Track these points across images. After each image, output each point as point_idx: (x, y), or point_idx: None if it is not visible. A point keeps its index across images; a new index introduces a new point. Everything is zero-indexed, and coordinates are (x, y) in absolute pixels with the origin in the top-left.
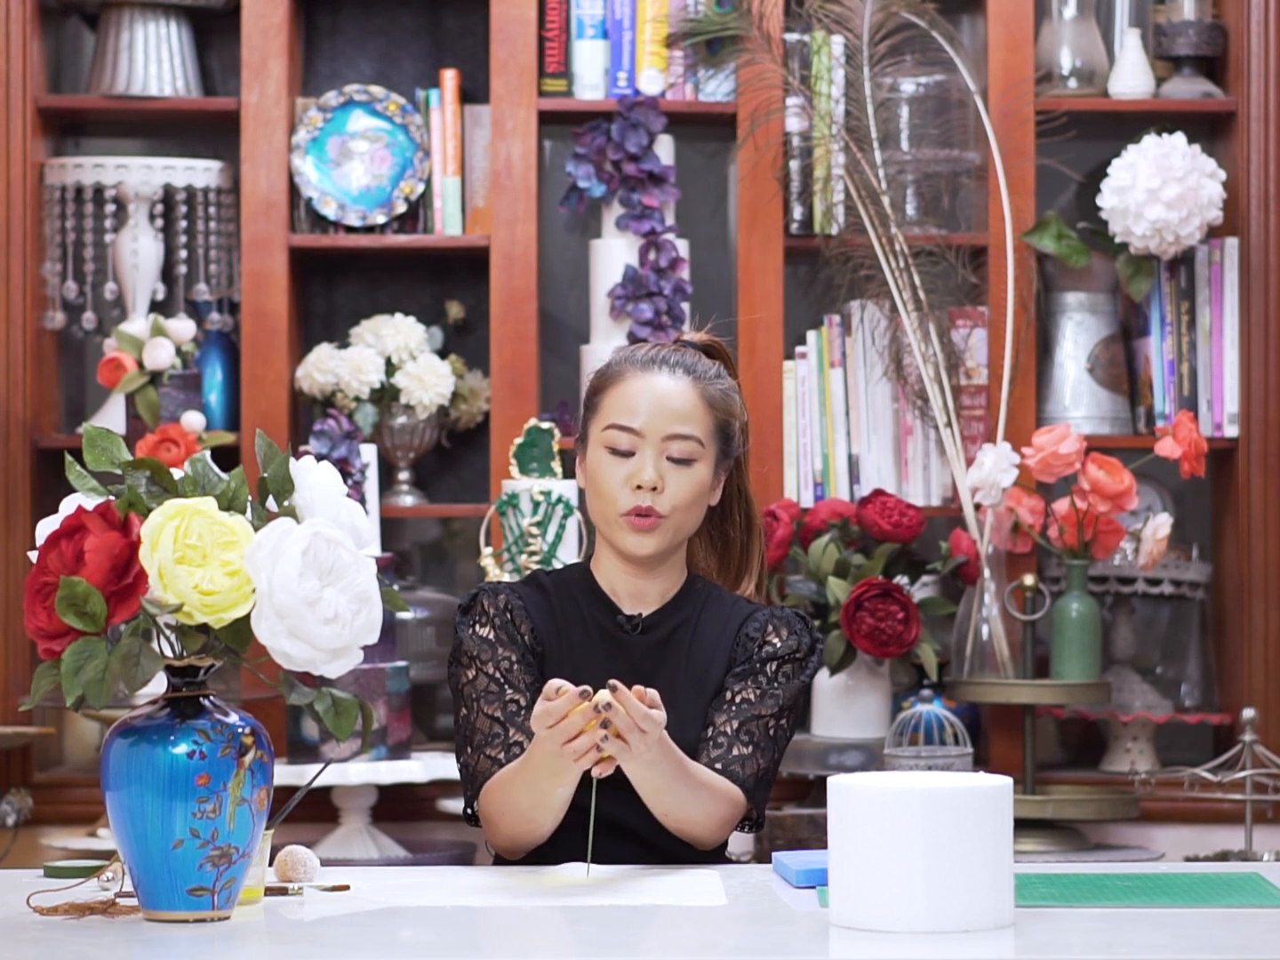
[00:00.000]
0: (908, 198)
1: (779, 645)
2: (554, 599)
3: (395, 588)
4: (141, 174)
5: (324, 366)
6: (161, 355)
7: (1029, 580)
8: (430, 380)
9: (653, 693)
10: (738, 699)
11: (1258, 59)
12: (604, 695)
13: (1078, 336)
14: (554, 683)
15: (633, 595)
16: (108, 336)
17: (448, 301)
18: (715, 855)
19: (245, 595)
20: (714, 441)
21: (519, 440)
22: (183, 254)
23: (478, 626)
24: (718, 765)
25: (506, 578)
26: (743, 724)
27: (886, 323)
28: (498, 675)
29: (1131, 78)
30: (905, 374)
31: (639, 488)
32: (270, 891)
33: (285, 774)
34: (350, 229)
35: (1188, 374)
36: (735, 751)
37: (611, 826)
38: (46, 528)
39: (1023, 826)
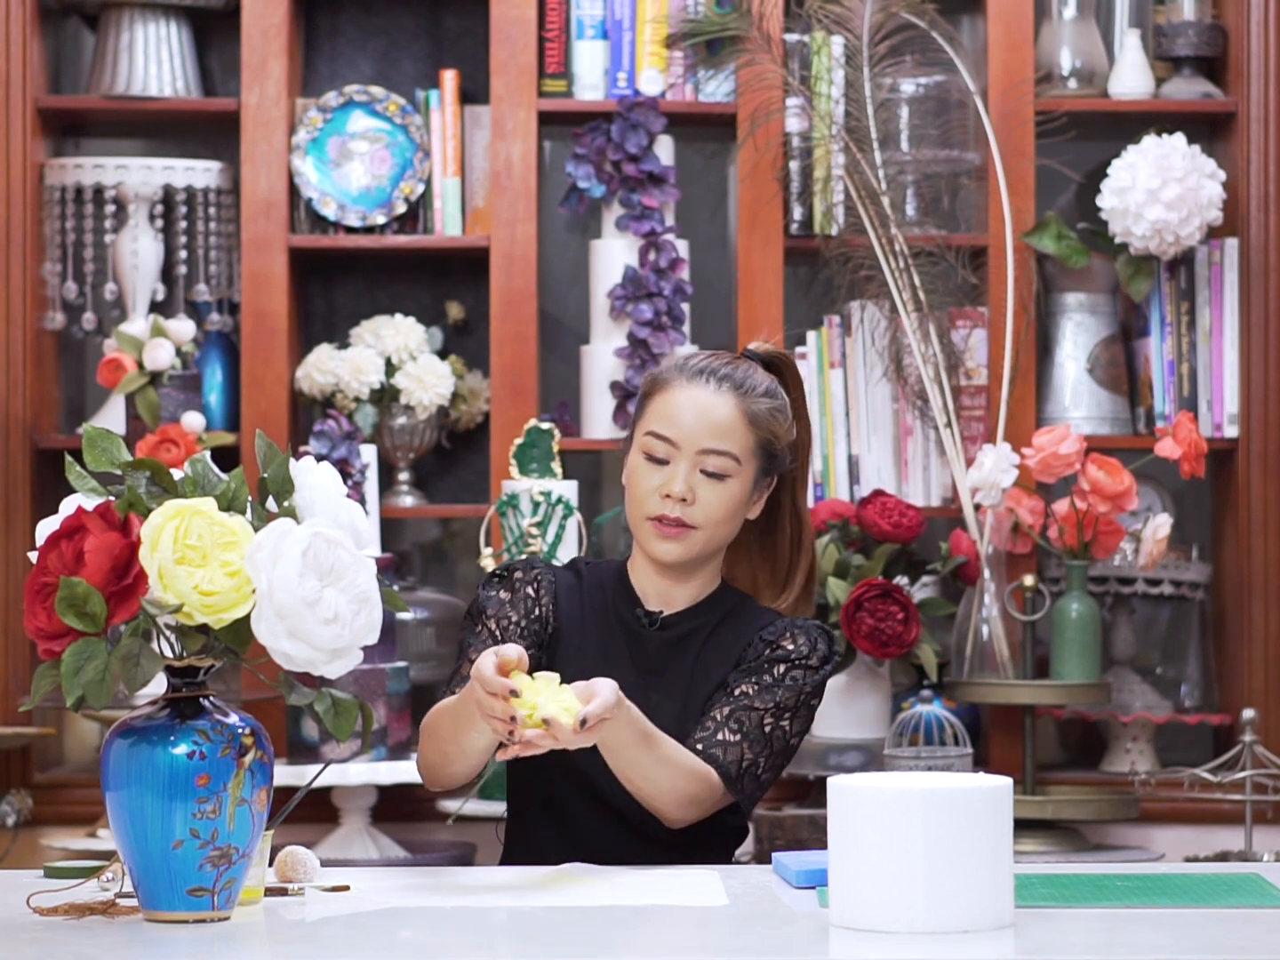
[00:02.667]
0: (908, 198)
1: (790, 649)
2: (584, 586)
3: (395, 588)
4: (141, 174)
5: (324, 367)
6: (161, 356)
7: (1029, 580)
8: (430, 381)
9: (603, 683)
10: (735, 692)
11: (1258, 59)
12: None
13: (1078, 337)
14: (509, 658)
15: (660, 596)
16: (108, 337)
17: (448, 302)
18: (719, 856)
19: (245, 595)
20: (753, 459)
21: (519, 441)
22: (183, 254)
23: (500, 589)
24: (699, 746)
25: None
26: (733, 712)
27: (886, 323)
28: (496, 631)
29: (1131, 78)
30: (905, 374)
31: (668, 497)
32: (270, 892)
33: (285, 774)
34: (350, 229)
35: (1188, 374)
36: (720, 736)
37: (613, 813)
38: (46, 528)
39: (1023, 826)
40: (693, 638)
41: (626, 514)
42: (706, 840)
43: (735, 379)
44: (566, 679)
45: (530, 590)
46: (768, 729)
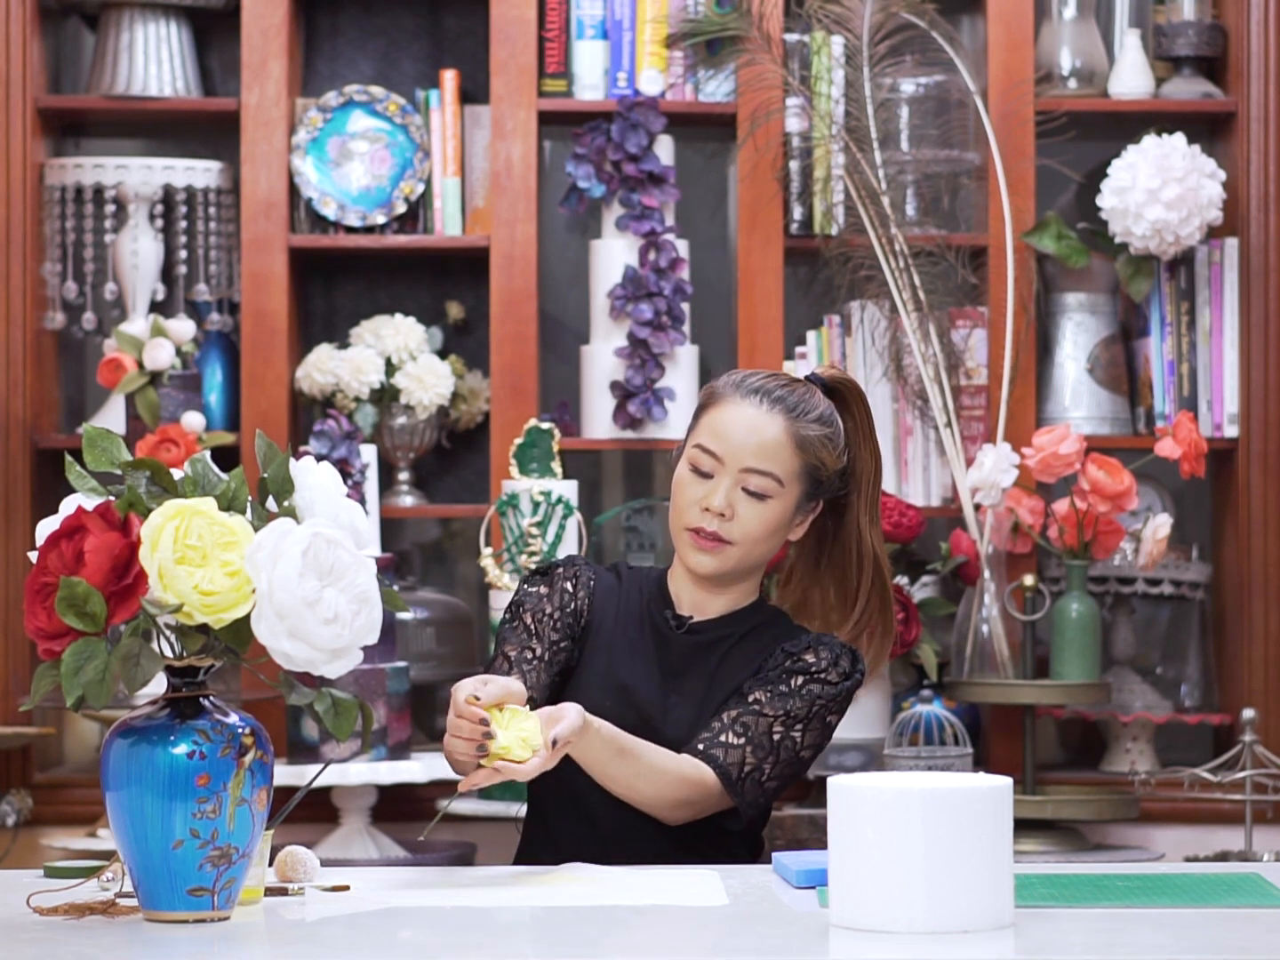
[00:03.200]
0: (908, 198)
1: (810, 661)
2: (623, 588)
3: (395, 588)
4: (141, 174)
5: (324, 367)
6: (161, 355)
7: (1029, 580)
8: (430, 380)
9: (569, 708)
10: (749, 698)
11: (1258, 59)
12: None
13: (1078, 337)
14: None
15: (694, 604)
16: (108, 336)
17: (448, 302)
18: (737, 852)
19: (245, 595)
20: (798, 482)
21: (519, 440)
22: (183, 254)
23: (540, 585)
24: (700, 745)
25: (506, 578)
26: (740, 715)
27: (886, 323)
28: (531, 625)
29: (1131, 78)
30: (905, 374)
31: (707, 510)
32: (270, 891)
33: (285, 774)
34: (350, 229)
35: (1188, 374)
36: (723, 738)
37: (632, 806)
38: (46, 528)
39: (1023, 826)
40: (718, 645)
41: (669, 522)
42: (724, 836)
43: (789, 402)
44: (594, 673)
45: (568, 585)
46: (776, 737)
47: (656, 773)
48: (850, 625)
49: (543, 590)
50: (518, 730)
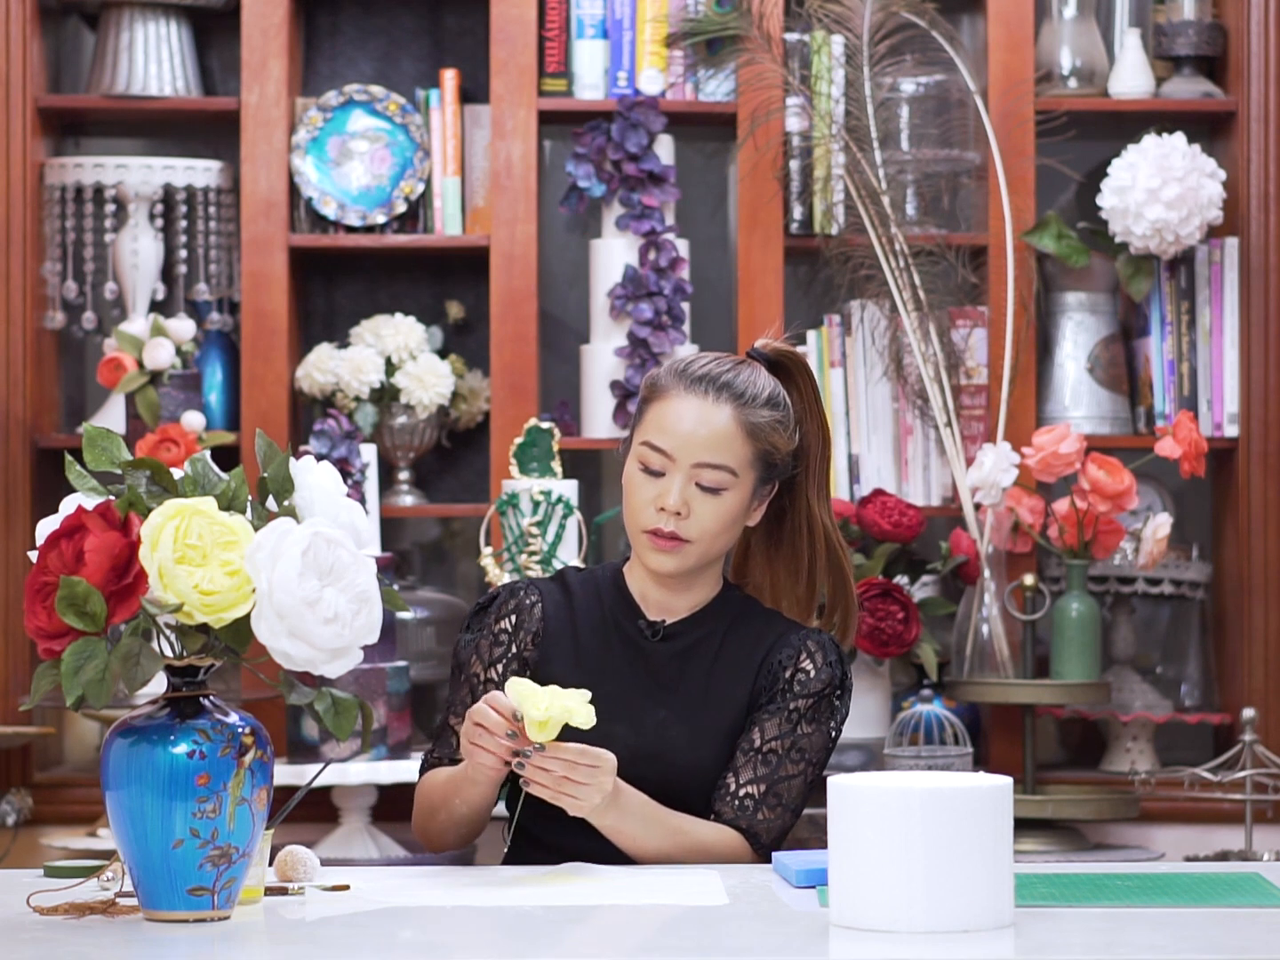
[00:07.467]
0: (908, 198)
1: (811, 675)
2: (576, 600)
3: (395, 588)
4: (141, 174)
5: (324, 366)
6: (161, 355)
7: (1029, 580)
8: (430, 380)
9: (598, 754)
10: (765, 748)
11: (1258, 59)
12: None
13: (1078, 336)
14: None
15: (660, 603)
16: (108, 336)
17: (448, 301)
18: None
19: (245, 595)
20: (751, 470)
21: (519, 440)
22: (183, 254)
23: (478, 633)
24: (742, 824)
25: (507, 578)
26: (771, 787)
27: (886, 323)
28: (473, 686)
29: (1131, 78)
30: (905, 374)
31: (663, 509)
32: (270, 891)
33: (285, 774)
34: (350, 229)
35: (1188, 374)
36: (761, 815)
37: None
38: (46, 528)
39: (1023, 826)
40: (700, 650)
41: (625, 522)
42: None
43: (735, 388)
44: None
45: (506, 624)
46: (811, 784)
47: (707, 851)
48: (814, 609)
49: (480, 645)
50: (562, 703)
